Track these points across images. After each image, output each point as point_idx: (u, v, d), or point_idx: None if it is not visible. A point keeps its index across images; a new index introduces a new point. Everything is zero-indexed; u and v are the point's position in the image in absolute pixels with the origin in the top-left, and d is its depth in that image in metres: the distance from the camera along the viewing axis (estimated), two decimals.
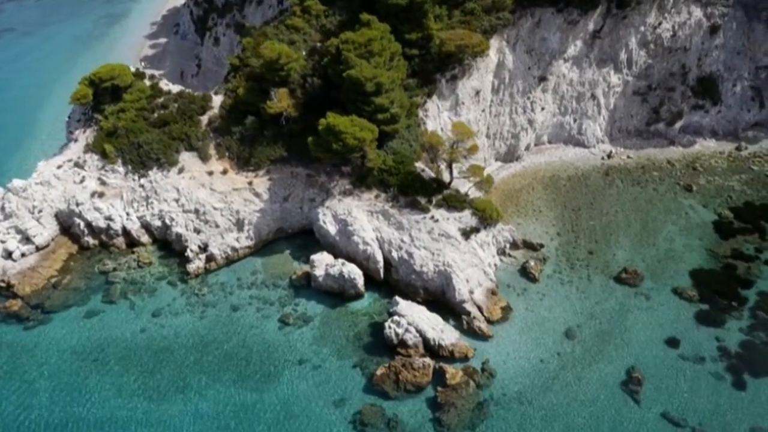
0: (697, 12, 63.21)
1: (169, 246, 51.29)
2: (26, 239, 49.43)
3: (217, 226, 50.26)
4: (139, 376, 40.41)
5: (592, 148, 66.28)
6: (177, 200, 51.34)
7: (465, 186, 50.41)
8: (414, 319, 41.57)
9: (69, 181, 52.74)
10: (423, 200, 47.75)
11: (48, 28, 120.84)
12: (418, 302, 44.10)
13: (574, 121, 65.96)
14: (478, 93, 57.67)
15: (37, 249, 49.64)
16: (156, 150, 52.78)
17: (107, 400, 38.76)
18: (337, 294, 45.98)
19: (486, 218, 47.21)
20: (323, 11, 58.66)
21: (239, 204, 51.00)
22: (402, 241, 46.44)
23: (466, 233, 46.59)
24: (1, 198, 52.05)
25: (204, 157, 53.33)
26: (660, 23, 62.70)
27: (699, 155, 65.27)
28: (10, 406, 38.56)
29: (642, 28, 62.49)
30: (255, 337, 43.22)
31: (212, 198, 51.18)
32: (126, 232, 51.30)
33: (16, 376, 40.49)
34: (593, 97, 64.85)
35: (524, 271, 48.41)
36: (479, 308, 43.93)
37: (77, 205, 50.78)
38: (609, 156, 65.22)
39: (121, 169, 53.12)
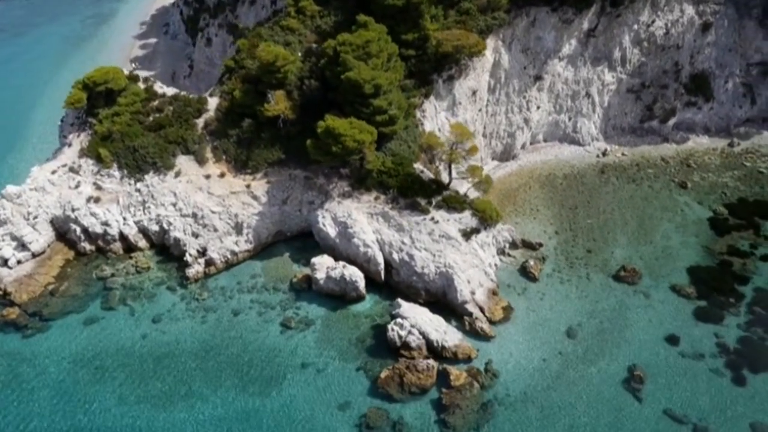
0: (690, 10, 63.79)
1: (167, 251, 50.91)
2: (22, 246, 48.82)
3: (215, 229, 49.95)
4: (141, 383, 40.07)
5: (587, 146, 66.71)
6: (174, 204, 50.92)
7: (464, 186, 50.52)
8: (417, 320, 41.61)
9: (64, 186, 52.12)
10: (423, 201, 47.76)
11: (37, 28, 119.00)
12: (420, 304, 44.12)
13: (569, 119, 66.32)
14: (474, 93, 57.77)
15: (33, 256, 49.07)
16: (152, 154, 52.27)
17: (109, 409, 38.39)
18: (338, 297, 45.92)
19: (486, 219, 47.35)
20: (318, 12, 58.13)
21: (237, 207, 50.69)
22: (403, 242, 46.45)
23: (467, 234, 46.70)
24: None
25: (201, 161, 52.93)
26: (653, 21, 63.20)
27: (692, 152, 65.99)
28: (10, 416, 38.03)
29: (635, 27, 62.97)
30: (257, 341, 43.02)
31: (210, 202, 50.83)
32: (123, 237, 50.86)
33: (15, 386, 39.97)
34: (588, 95, 65.24)
35: (524, 271, 48.66)
36: (481, 309, 44.08)
37: (73, 210, 50.24)
38: (604, 154, 65.67)
39: (116, 173, 52.58)
